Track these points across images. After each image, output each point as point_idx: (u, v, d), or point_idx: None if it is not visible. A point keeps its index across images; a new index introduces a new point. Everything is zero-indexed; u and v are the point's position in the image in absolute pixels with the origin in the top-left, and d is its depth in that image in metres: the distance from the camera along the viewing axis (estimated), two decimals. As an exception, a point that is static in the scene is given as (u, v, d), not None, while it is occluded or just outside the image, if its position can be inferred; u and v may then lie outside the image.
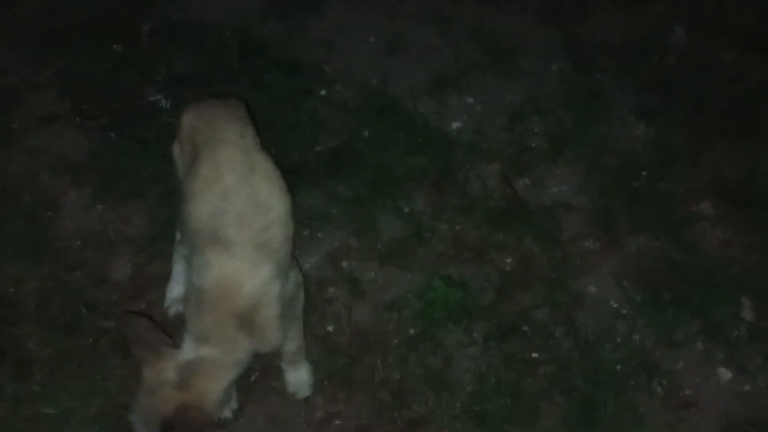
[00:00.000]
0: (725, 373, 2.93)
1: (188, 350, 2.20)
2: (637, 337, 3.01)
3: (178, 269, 2.91)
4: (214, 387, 2.19)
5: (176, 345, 2.22)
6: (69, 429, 2.63)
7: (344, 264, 3.21)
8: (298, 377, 2.75)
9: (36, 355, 2.75)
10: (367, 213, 3.41)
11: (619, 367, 2.89)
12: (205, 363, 2.18)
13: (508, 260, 3.26)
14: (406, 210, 3.44)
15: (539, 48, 4.35)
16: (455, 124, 3.92)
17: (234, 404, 2.66)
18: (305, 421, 2.68)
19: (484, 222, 3.38)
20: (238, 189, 2.28)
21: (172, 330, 2.50)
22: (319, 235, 3.32)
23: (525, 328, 2.99)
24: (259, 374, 2.80)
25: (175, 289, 2.93)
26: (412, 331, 2.96)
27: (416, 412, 2.72)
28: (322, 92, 4.09)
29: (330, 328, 2.97)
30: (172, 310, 2.94)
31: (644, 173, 3.73)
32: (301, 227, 3.31)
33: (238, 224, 2.23)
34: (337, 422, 2.68)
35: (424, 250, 3.27)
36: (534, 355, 2.90)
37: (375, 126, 3.86)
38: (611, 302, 3.14)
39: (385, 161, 3.67)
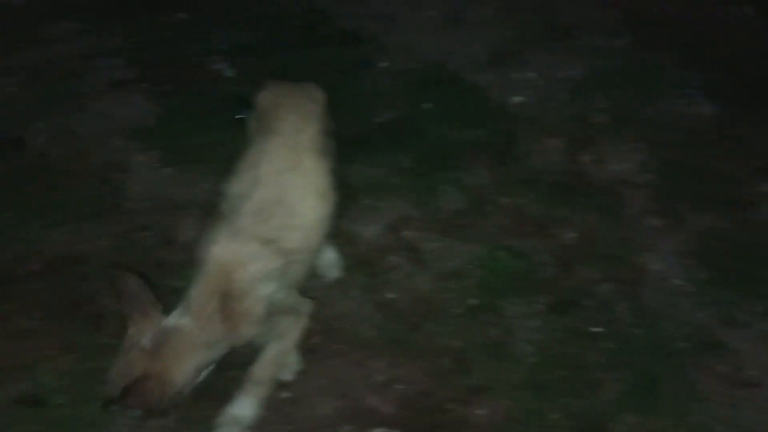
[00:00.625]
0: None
1: (170, 318, 2.20)
2: (701, 315, 2.97)
3: None
4: (181, 362, 2.15)
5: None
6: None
7: (405, 233, 3.23)
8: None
9: (108, 310, 2.84)
10: (428, 184, 3.43)
11: (681, 344, 2.86)
12: (178, 335, 2.15)
13: (570, 235, 3.24)
14: (467, 182, 3.45)
15: (601, 24, 4.30)
16: (516, 98, 3.90)
17: (297, 366, 2.71)
18: (366, 384, 2.71)
19: (546, 196, 3.37)
20: (268, 183, 2.31)
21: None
22: (380, 204, 3.34)
23: (586, 302, 2.97)
24: (322, 337, 2.83)
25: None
26: (472, 301, 2.97)
27: (476, 380, 2.72)
28: (383, 64, 4.11)
29: (391, 295, 2.99)
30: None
31: (708, 151, 3.67)
32: (362, 196, 3.35)
33: (255, 216, 2.26)
34: (398, 386, 2.70)
35: (484, 222, 3.27)
36: (595, 329, 2.88)
37: (435, 98, 3.88)
38: (674, 280, 3.10)
39: (445, 133, 3.68)
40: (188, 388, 2.25)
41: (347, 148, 3.46)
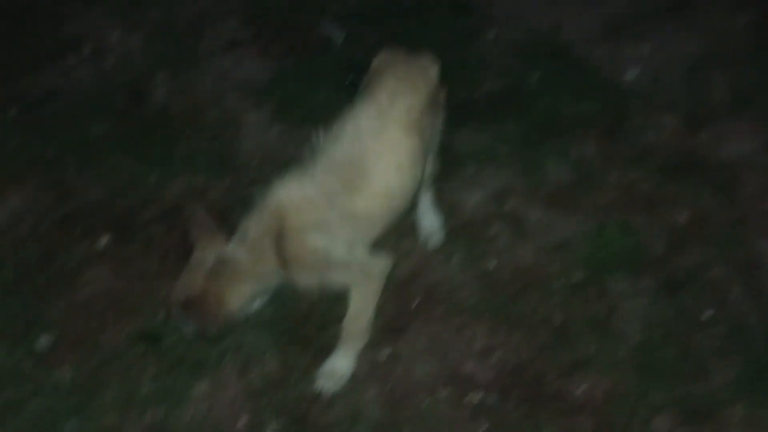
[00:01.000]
0: None
1: (229, 247, 2.31)
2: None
3: None
4: (234, 288, 2.30)
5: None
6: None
7: (508, 203, 3.19)
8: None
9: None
10: (534, 155, 3.36)
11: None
12: (234, 263, 2.28)
13: (683, 214, 3.11)
14: (574, 155, 3.37)
15: (722, -2, 4.07)
16: (630, 73, 3.76)
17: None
18: (465, 350, 2.71)
19: (658, 173, 3.25)
20: (347, 143, 2.34)
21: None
22: (485, 173, 3.31)
23: (697, 284, 2.85)
24: (421, 300, 2.86)
25: None
26: (576, 275, 2.91)
27: (577, 355, 2.68)
28: (491, 35, 4.04)
29: (492, 264, 2.97)
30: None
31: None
32: (466, 163, 3.33)
33: (325, 170, 2.31)
34: (497, 355, 2.69)
35: (592, 196, 3.18)
36: (707, 311, 2.77)
37: (544, 70, 3.78)
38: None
39: (554, 105, 3.60)
40: (241, 314, 2.43)
41: (454, 116, 3.46)
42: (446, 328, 2.77)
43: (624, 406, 2.54)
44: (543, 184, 3.27)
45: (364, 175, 2.34)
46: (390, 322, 2.77)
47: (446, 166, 3.27)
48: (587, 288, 2.87)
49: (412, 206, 2.75)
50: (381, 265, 2.53)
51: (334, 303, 2.68)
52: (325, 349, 2.65)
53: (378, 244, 2.55)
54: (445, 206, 3.10)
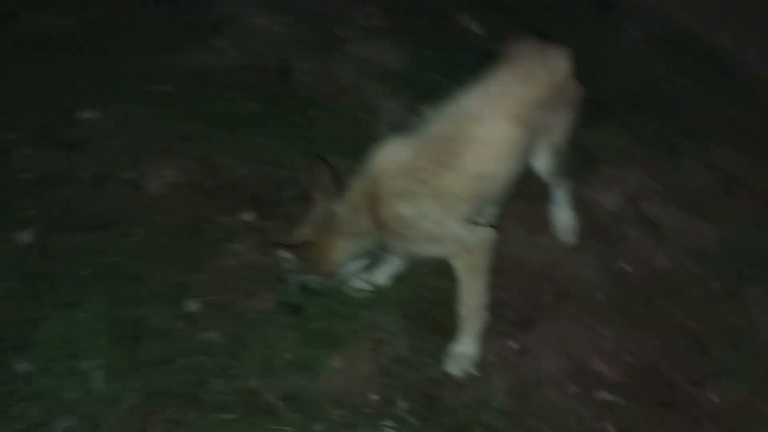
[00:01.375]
0: None
1: (336, 204, 2.47)
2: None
3: None
4: (337, 242, 2.48)
5: None
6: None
7: (644, 205, 3.15)
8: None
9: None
10: (674, 158, 3.30)
11: None
12: (338, 219, 2.46)
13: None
14: (716, 160, 3.28)
15: None
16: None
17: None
18: (594, 349, 2.71)
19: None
20: (451, 126, 2.38)
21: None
22: (620, 173, 3.27)
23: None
24: (553, 296, 2.87)
25: None
26: (714, 284, 2.85)
27: (712, 364, 2.63)
28: (636, 31, 3.96)
29: (626, 266, 2.94)
30: None
31: None
32: (602, 163, 3.30)
33: (425, 142, 2.38)
34: (627, 357, 2.68)
35: (733, 204, 3.11)
36: None
37: (688, 70, 3.68)
38: None
39: (697, 107, 3.50)
40: (342, 269, 2.61)
41: (590, 113, 3.42)
42: (576, 325, 2.78)
43: (757, 419, 2.47)
44: (683, 188, 3.21)
45: (456, 155, 2.37)
46: (519, 315, 2.81)
47: (581, 164, 3.27)
48: (726, 297, 2.80)
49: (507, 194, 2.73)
50: (479, 237, 2.53)
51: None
52: (455, 334, 2.72)
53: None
54: (580, 205, 3.10)
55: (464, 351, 2.66)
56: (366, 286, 2.76)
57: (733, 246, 2.92)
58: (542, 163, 2.73)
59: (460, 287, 2.57)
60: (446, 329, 2.75)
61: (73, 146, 3.61)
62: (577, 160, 3.25)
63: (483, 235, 2.53)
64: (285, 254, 2.52)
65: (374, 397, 2.60)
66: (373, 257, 2.69)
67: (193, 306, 2.86)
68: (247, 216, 3.21)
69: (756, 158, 3.25)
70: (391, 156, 2.41)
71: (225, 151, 3.49)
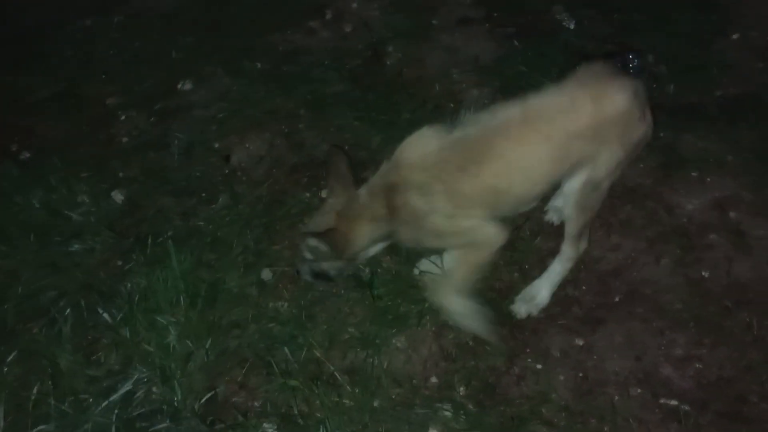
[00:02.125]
0: None
1: (357, 192, 2.57)
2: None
3: None
4: (356, 227, 2.55)
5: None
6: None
7: (731, 214, 3.03)
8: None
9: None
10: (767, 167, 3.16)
11: None
12: (358, 206, 2.54)
13: None
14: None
15: None
16: None
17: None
18: (663, 354, 2.64)
19: None
20: (484, 131, 2.38)
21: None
22: (709, 178, 3.16)
23: None
24: (623, 296, 2.82)
25: (558, 199, 3.01)
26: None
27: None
28: (735, 36, 3.82)
29: (705, 273, 2.85)
30: (549, 216, 3.06)
31: None
32: (689, 167, 3.20)
33: (453, 143, 2.40)
34: (697, 365, 2.60)
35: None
36: None
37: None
38: None
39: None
40: (363, 251, 2.69)
41: (683, 117, 3.33)
42: (646, 328, 2.72)
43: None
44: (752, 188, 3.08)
45: (479, 163, 2.37)
46: (588, 313, 2.77)
47: (667, 167, 3.19)
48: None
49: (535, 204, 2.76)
50: (490, 235, 2.51)
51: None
52: (519, 326, 2.72)
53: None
54: (661, 207, 3.03)
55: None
56: (434, 269, 2.78)
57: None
58: (569, 194, 2.57)
59: (454, 263, 2.64)
60: (513, 322, 2.76)
61: (169, 114, 3.81)
62: (667, 164, 3.20)
63: (494, 236, 2.53)
64: (312, 242, 2.59)
65: (434, 379, 2.63)
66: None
67: (267, 275, 2.97)
68: (326, 193, 3.30)
69: None
70: (418, 148, 2.46)
71: (310, 129, 3.60)
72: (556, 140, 2.37)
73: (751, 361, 2.59)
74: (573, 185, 2.53)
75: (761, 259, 2.86)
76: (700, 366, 2.61)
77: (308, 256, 2.68)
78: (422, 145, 2.47)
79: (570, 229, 2.67)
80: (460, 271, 2.61)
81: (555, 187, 2.63)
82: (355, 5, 4.33)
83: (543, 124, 2.37)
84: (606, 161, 2.46)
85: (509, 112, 2.40)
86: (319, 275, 2.77)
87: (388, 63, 3.84)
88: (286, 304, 2.86)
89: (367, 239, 2.63)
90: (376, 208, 2.54)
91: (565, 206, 2.63)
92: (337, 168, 2.64)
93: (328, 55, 4.01)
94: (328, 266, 2.71)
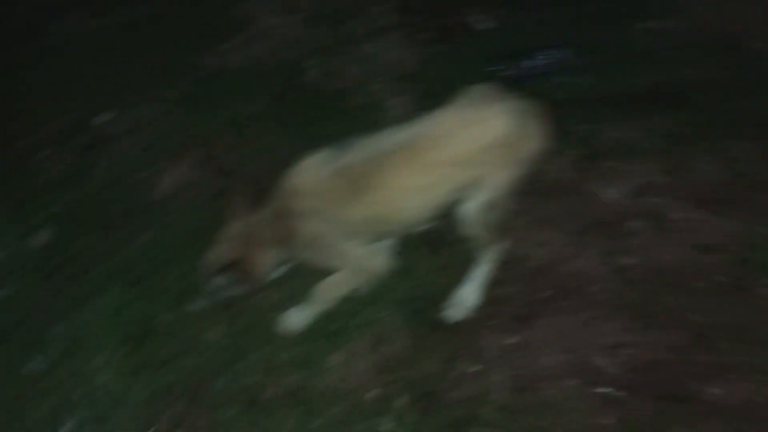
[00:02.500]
0: None
1: (256, 218, 2.58)
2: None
3: None
4: (263, 254, 2.58)
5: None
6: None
7: (652, 200, 3.09)
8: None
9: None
10: (684, 152, 3.23)
11: None
12: (259, 232, 2.56)
13: None
14: (731, 155, 3.20)
15: None
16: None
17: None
18: (594, 344, 2.68)
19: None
20: (370, 164, 2.42)
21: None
22: (628, 167, 3.22)
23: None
24: (552, 291, 2.85)
25: None
26: (721, 278, 2.78)
27: (716, 359, 2.57)
28: (653, 24, 3.90)
29: (629, 261, 2.90)
30: None
31: None
32: (607, 157, 3.26)
33: (343, 172, 2.45)
34: (629, 351, 2.63)
35: (747, 198, 3.01)
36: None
37: (707, 65, 3.61)
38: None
39: (714, 102, 3.43)
40: (268, 274, 2.69)
41: (600, 108, 3.39)
42: (577, 320, 2.75)
43: (762, 414, 2.42)
44: (693, 183, 3.14)
45: (363, 190, 2.42)
46: (520, 311, 2.80)
47: (586, 159, 3.24)
48: (731, 291, 2.74)
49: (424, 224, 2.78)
50: (375, 265, 2.66)
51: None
52: (452, 331, 2.73)
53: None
54: (583, 199, 3.07)
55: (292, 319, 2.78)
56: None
57: (740, 240, 2.85)
58: (467, 216, 2.60)
59: (332, 277, 2.68)
60: (446, 327, 2.77)
61: (89, 148, 3.73)
62: (586, 156, 3.25)
63: (378, 265, 2.67)
64: (219, 279, 2.57)
65: (373, 393, 2.63)
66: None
67: (198, 305, 2.92)
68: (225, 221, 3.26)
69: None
70: (307, 174, 2.50)
71: (233, 151, 3.56)
72: (438, 168, 2.41)
73: (680, 342, 2.64)
74: (468, 208, 2.57)
75: (681, 242, 2.93)
76: (632, 352, 2.65)
77: (215, 288, 2.64)
78: (310, 172, 2.50)
79: (481, 241, 2.71)
80: (333, 288, 2.70)
81: (450, 206, 2.62)
82: (274, 21, 4.31)
83: (424, 151, 2.39)
84: (497, 183, 2.51)
85: (393, 139, 2.44)
86: (227, 299, 2.74)
87: (310, 77, 3.83)
88: (218, 334, 2.83)
89: (270, 264, 2.66)
90: (275, 233, 2.56)
91: (467, 226, 2.64)
92: (238, 196, 2.65)
93: (249, 73, 3.98)
94: (235, 291, 2.67)
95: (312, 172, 2.50)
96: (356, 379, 2.66)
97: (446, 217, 2.63)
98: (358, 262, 2.63)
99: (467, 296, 2.79)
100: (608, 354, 2.66)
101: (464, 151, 2.41)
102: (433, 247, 2.60)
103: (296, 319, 2.78)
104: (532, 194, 2.97)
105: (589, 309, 2.77)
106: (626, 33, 3.87)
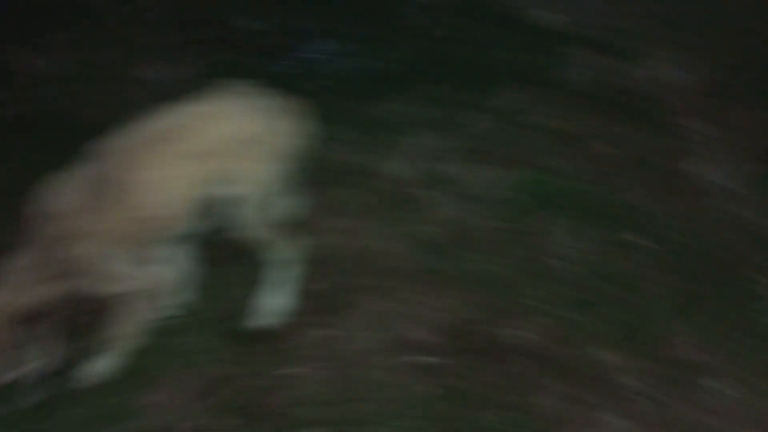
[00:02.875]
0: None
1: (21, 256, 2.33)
2: (755, 215, 2.82)
3: None
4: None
5: None
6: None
7: (434, 164, 3.19)
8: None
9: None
10: (459, 112, 3.37)
11: (740, 248, 2.72)
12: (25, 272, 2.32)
13: (612, 148, 3.12)
14: (501, 106, 3.38)
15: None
16: (545, 13, 3.74)
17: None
18: (412, 317, 2.70)
19: (586, 112, 3.26)
20: (115, 167, 2.29)
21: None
22: (407, 138, 3.30)
23: (629, 214, 2.87)
24: (358, 274, 2.85)
25: None
26: (506, 224, 2.92)
27: (516, 302, 2.70)
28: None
29: (422, 227, 2.97)
30: None
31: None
32: (387, 132, 3.32)
33: (90, 185, 2.29)
34: (445, 317, 2.67)
35: (520, 145, 3.20)
36: (641, 241, 2.78)
37: (460, 24, 3.77)
38: (728, 185, 2.95)
39: (481, 59, 3.60)
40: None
41: (368, 87, 3.45)
42: (391, 300, 2.79)
43: (565, 344, 2.56)
44: (470, 140, 3.29)
45: (116, 196, 2.30)
46: (334, 302, 2.79)
47: (368, 137, 3.28)
48: (520, 235, 2.89)
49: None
50: (160, 278, 2.51)
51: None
52: (272, 338, 2.68)
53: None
54: (369, 178, 3.12)
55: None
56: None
57: (522, 184, 3.01)
58: (244, 220, 2.53)
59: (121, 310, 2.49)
60: (259, 338, 2.72)
61: None
62: (370, 133, 3.29)
63: (162, 276, 2.50)
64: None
65: (201, 421, 2.53)
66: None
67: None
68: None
69: (537, 97, 3.37)
70: (56, 197, 2.31)
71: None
72: (183, 160, 2.33)
73: (488, 298, 2.74)
74: (238, 208, 2.49)
75: (466, 197, 3.03)
76: (447, 317, 2.72)
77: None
78: (58, 194, 2.31)
79: (271, 241, 2.62)
80: (129, 320, 2.50)
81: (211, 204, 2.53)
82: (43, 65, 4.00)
83: (168, 143, 2.31)
84: (254, 178, 2.45)
85: (135, 133, 2.32)
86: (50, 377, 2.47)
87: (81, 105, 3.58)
88: None
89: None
90: (49, 270, 2.33)
91: (247, 229, 2.55)
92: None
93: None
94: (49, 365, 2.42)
95: (60, 193, 2.29)
96: (181, 410, 2.54)
97: (221, 223, 2.55)
98: (141, 281, 2.44)
99: (276, 301, 2.75)
100: (425, 324, 2.71)
101: (208, 144, 2.35)
102: (229, 260, 2.52)
103: (102, 366, 2.58)
104: (319, 184, 2.96)
105: (403, 286, 2.82)
106: (396, 10, 3.96)
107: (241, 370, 2.62)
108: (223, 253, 2.88)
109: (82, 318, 2.57)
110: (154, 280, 2.49)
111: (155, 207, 2.36)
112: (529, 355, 2.59)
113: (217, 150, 2.37)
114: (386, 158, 3.21)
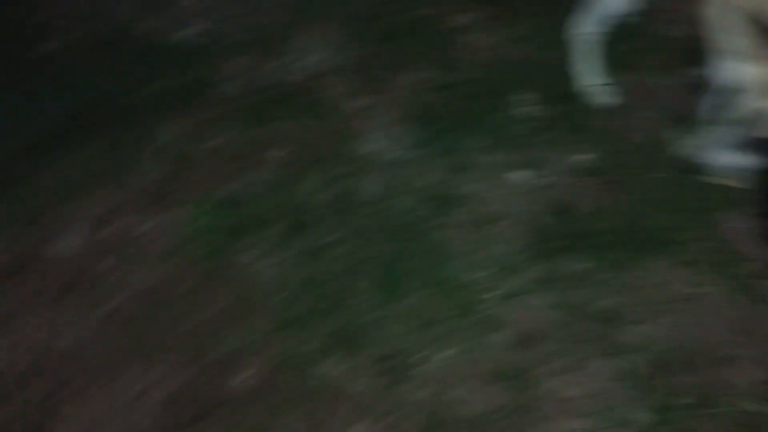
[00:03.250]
0: (519, 176, 2.82)
1: None
2: (431, 176, 2.85)
3: None
4: None
5: None
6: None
7: (113, 226, 2.89)
8: None
9: None
10: (126, 158, 3.10)
11: (413, 215, 2.73)
12: None
13: (282, 152, 3.01)
14: (164, 140, 3.14)
15: None
16: (189, 31, 3.58)
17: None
18: (125, 404, 2.40)
19: (249, 121, 3.13)
20: None
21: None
22: (75, 206, 2.97)
23: (315, 215, 2.77)
24: (50, 381, 2.48)
25: None
26: (198, 273, 2.68)
27: (229, 348, 2.47)
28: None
29: (112, 303, 2.65)
30: None
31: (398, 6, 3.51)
32: (50, 208, 2.96)
33: None
34: (156, 391, 2.40)
35: (192, 177, 2.98)
36: (328, 239, 2.69)
37: (107, 60, 3.49)
38: (393, 152, 2.96)
39: (127, 97, 3.34)
40: None
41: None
42: (96, 393, 2.44)
43: (289, 371, 2.40)
44: (145, 186, 3.01)
45: None
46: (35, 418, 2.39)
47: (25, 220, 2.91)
48: (214, 278, 2.66)
49: None
50: None
51: None
52: None
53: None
54: (34, 267, 2.77)
55: None
56: None
57: (198, 224, 2.79)
58: None
59: None
60: None
61: None
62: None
63: None
64: None
65: None
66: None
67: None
68: None
69: (195, 120, 3.16)
70: None
71: None
72: None
73: (189, 355, 2.50)
74: None
75: (152, 254, 2.77)
76: (158, 390, 2.44)
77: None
78: None
79: None
80: None
81: None
82: None
83: None
84: None
85: None
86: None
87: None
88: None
89: None
90: None
91: None
92: None
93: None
94: None
95: None
96: None
97: None
98: None
99: None
100: (141, 405, 2.40)
101: None
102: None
103: None
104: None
105: (102, 373, 2.48)
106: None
107: None
108: None
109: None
110: None
111: None
112: (257, 400, 2.39)
113: None
114: (45, 240, 2.83)
